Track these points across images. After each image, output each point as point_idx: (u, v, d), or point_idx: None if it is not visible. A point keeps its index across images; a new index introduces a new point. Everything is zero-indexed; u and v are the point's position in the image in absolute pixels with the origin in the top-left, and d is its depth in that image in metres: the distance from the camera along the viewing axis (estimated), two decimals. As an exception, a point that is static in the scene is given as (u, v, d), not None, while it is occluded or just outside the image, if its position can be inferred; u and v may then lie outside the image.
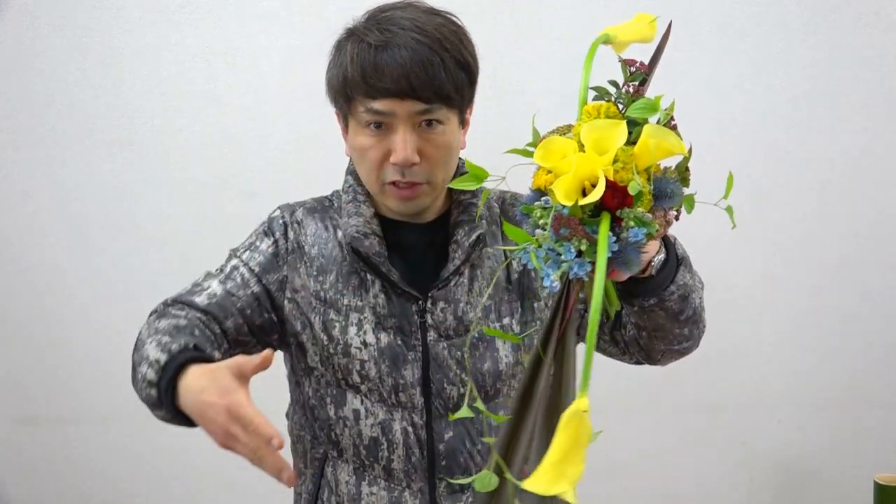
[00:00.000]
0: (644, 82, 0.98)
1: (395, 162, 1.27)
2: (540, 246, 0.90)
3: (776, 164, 2.34)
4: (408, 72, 1.22)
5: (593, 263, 0.87)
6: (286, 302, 1.36)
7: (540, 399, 0.93)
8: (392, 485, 1.34)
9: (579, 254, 0.88)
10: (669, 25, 1.03)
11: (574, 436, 0.82)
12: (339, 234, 1.37)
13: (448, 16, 1.31)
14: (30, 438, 2.45)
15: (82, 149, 2.35)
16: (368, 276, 1.34)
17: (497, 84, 2.26)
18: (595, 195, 0.85)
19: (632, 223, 0.88)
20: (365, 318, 1.33)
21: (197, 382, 1.07)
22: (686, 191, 0.98)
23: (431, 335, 1.33)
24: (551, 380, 0.93)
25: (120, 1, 2.31)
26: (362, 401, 1.33)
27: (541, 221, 0.90)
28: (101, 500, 2.45)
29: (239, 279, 1.35)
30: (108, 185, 2.36)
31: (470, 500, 1.34)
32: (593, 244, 0.86)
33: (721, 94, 2.32)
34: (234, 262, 1.37)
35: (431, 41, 1.24)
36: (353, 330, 1.33)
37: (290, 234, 1.37)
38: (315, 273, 1.35)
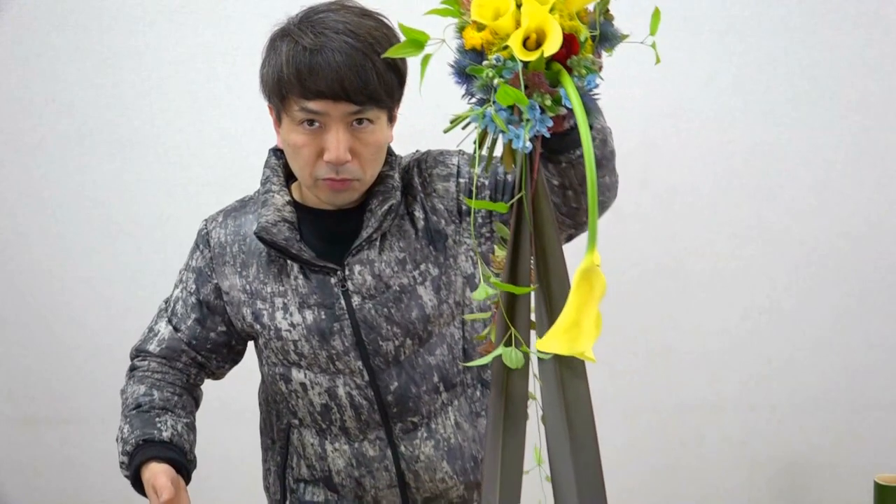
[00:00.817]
0: None
1: (328, 160, 1.33)
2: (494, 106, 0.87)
3: (776, 164, 2.34)
4: (341, 76, 1.28)
5: (554, 118, 0.86)
6: (226, 306, 1.47)
7: (526, 271, 0.92)
8: (351, 439, 1.45)
9: (541, 110, 0.86)
10: None
11: (588, 291, 0.80)
12: (256, 226, 1.43)
13: (379, 18, 1.36)
14: (30, 438, 2.45)
15: (82, 149, 2.35)
16: (287, 262, 1.42)
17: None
18: (555, 45, 0.84)
19: (583, 71, 0.87)
20: (289, 300, 1.42)
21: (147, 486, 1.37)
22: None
23: (356, 300, 1.40)
24: (534, 248, 0.92)
25: (120, 1, 2.31)
26: (305, 374, 1.44)
27: (495, 81, 0.86)
28: (101, 500, 2.45)
29: (180, 311, 1.48)
30: (108, 185, 2.36)
31: (424, 435, 1.43)
32: (555, 98, 0.85)
33: (721, 94, 2.32)
34: (177, 291, 1.50)
35: (364, 45, 1.29)
36: (279, 314, 1.42)
37: (212, 242, 1.47)
38: (239, 269, 1.45)
